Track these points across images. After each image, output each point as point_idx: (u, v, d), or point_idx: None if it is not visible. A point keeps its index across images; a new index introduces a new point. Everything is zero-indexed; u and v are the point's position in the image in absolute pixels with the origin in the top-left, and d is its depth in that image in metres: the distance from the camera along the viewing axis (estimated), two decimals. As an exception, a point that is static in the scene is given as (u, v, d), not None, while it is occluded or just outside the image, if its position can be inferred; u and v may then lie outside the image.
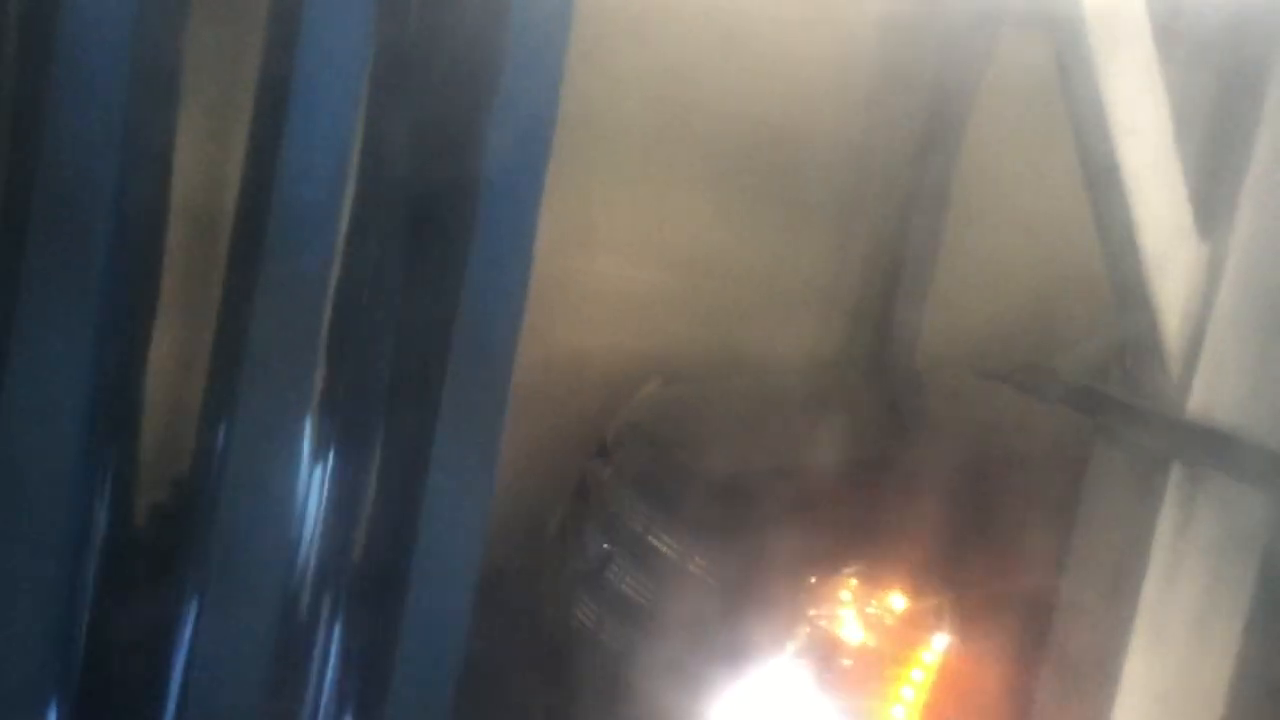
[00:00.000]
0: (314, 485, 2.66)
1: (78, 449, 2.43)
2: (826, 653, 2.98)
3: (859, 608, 2.98)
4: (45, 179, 2.29)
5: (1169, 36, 2.30)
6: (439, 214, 2.54)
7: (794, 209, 4.70)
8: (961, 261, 4.81)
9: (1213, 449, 2.36)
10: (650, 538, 3.40)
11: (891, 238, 4.76)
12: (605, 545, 3.53)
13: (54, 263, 2.32)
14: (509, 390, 2.52)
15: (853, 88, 4.67)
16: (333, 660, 2.76)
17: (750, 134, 4.57)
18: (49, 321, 2.34)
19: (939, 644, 2.90)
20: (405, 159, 2.57)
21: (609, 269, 4.52)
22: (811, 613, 3.01)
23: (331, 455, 2.67)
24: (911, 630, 2.92)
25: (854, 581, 3.01)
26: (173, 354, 3.38)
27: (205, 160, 3.48)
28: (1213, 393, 2.42)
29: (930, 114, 4.69)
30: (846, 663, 2.97)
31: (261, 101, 2.69)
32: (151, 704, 2.71)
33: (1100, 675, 2.41)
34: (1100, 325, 4.05)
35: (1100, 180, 2.34)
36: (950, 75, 4.63)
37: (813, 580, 3.05)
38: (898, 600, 2.96)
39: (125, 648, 2.74)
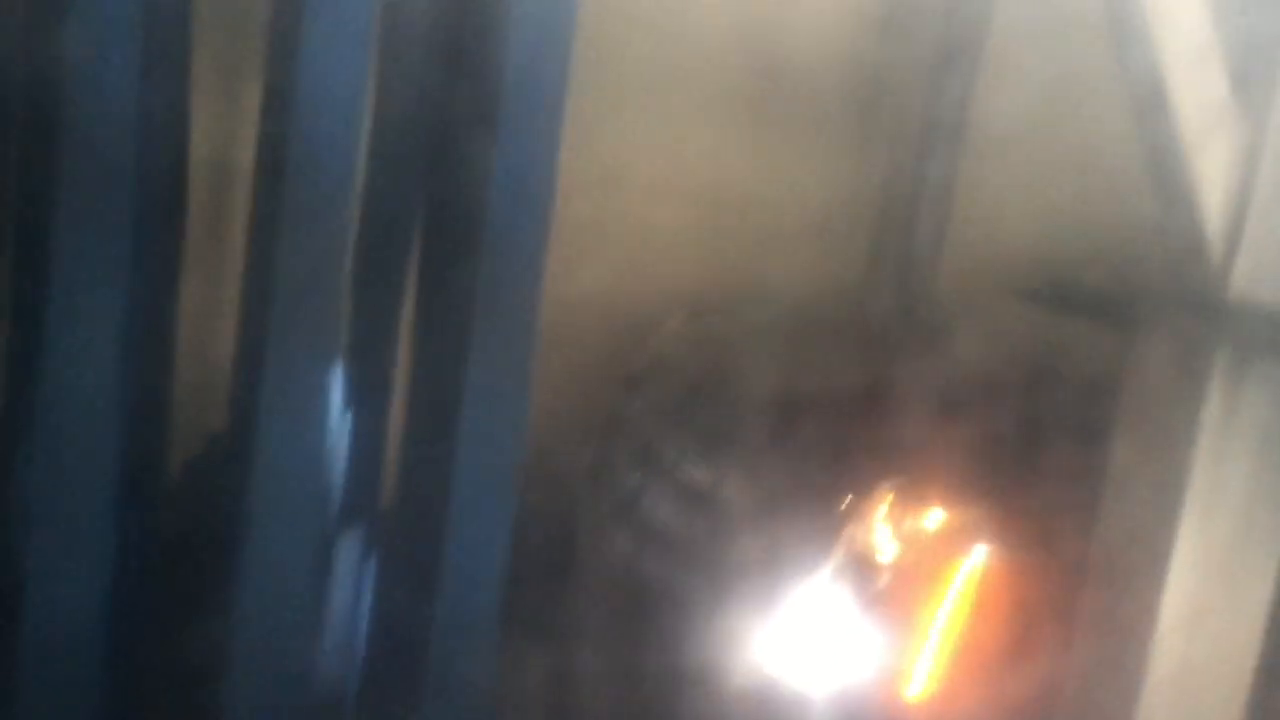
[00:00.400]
0: (346, 428, 2.67)
1: (112, 406, 2.44)
2: (865, 571, 2.99)
3: (895, 525, 2.98)
4: (68, 137, 2.29)
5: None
6: (457, 150, 2.53)
7: (812, 138, 4.67)
8: (982, 184, 4.77)
9: (1256, 330, 2.33)
10: (683, 467, 3.41)
11: (911, 162, 4.73)
12: (638, 478, 3.54)
13: (83, 220, 2.33)
14: (538, 321, 2.52)
15: (866, 13, 4.63)
16: (373, 605, 2.78)
17: (764, 64, 4.53)
18: (81, 278, 2.35)
19: (978, 555, 2.90)
20: (420, 98, 2.55)
21: (628, 207, 4.49)
22: (848, 531, 3.01)
23: (362, 397, 2.67)
24: (949, 544, 2.93)
25: (890, 498, 3.01)
26: (198, 310, 3.39)
27: (218, 113, 3.47)
28: (1256, 275, 2.38)
29: (946, 36, 4.64)
30: (886, 580, 2.97)
31: (274, 46, 2.68)
32: (196, 656, 2.74)
33: (1149, 566, 2.41)
34: (1127, 241, 4.02)
35: (1136, 63, 2.30)
36: (964, -6, 4.58)
37: (848, 499, 3.05)
38: (934, 515, 2.96)
39: (166, 603, 2.76)
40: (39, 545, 2.44)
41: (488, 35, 2.41)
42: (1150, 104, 2.31)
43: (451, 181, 2.56)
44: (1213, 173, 2.34)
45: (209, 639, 2.73)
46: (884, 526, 3.00)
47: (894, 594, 2.97)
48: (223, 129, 3.44)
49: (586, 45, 2.52)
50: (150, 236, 2.50)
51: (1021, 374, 3.46)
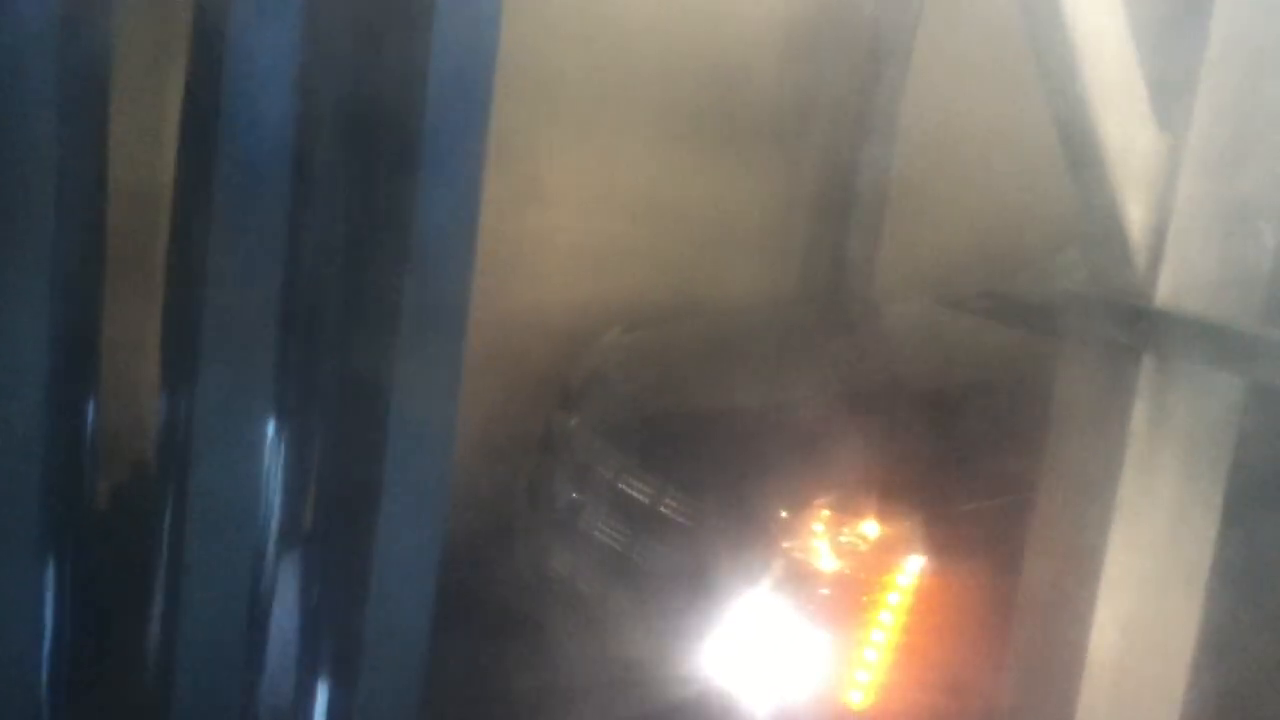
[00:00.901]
0: (276, 455, 2.64)
1: (35, 433, 2.40)
2: (803, 584, 3.00)
3: (832, 537, 3.00)
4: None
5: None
6: (382, 165, 2.51)
7: (742, 151, 4.70)
8: (912, 194, 4.82)
9: (1183, 336, 2.35)
10: (620, 484, 3.41)
11: (841, 174, 4.77)
12: (575, 495, 3.53)
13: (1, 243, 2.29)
14: (464, 343, 2.51)
15: (794, 27, 4.66)
16: (304, 630, 2.75)
17: (694, 78, 4.55)
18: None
19: (913, 566, 2.92)
20: (342, 114, 2.54)
21: (560, 222, 4.50)
22: (785, 545, 3.02)
23: (292, 420, 2.65)
24: (885, 555, 2.94)
25: (826, 512, 3.03)
26: (122, 336, 3.34)
27: (140, 134, 3.43)
28: (1180, 281, 2.40)
29: (873, 48, 4.68)
30: (824, 592, 2.99)
31: (197, 65, 2.65)
32: (131, 687, 2.70)
33: (1082, 572, 2.42)
34: (1053, 249, 4.08)
35: (1056, 74, 2.32)
36: (890, 5, 4.63)
37: (784, 514, 3.06)
38: (870, 527, 2.98)
39: (94, 634, 2.72)
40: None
41: (410, 51, 2.39)
42: (1072, 114, 2.33)
43: (377, 196, 2.54)
44: (1135, 181, 2.36)
45: (142, 670, 2.69)
46: (821, 539, 3.01)
47: (833, 605, 2.98)
48: (146, 149, 3.40)
49: (514, 59, 2.51)
50: (72, 258, 2.46)
51: (952, 383, 3.49)
